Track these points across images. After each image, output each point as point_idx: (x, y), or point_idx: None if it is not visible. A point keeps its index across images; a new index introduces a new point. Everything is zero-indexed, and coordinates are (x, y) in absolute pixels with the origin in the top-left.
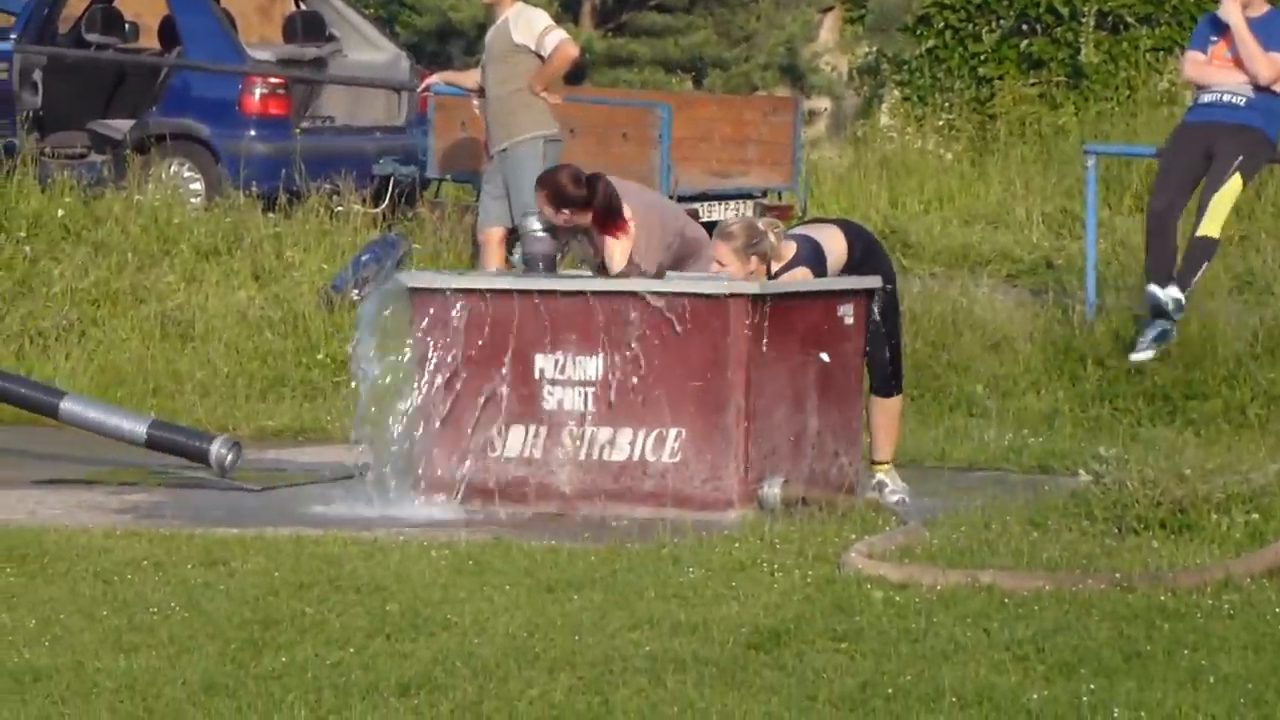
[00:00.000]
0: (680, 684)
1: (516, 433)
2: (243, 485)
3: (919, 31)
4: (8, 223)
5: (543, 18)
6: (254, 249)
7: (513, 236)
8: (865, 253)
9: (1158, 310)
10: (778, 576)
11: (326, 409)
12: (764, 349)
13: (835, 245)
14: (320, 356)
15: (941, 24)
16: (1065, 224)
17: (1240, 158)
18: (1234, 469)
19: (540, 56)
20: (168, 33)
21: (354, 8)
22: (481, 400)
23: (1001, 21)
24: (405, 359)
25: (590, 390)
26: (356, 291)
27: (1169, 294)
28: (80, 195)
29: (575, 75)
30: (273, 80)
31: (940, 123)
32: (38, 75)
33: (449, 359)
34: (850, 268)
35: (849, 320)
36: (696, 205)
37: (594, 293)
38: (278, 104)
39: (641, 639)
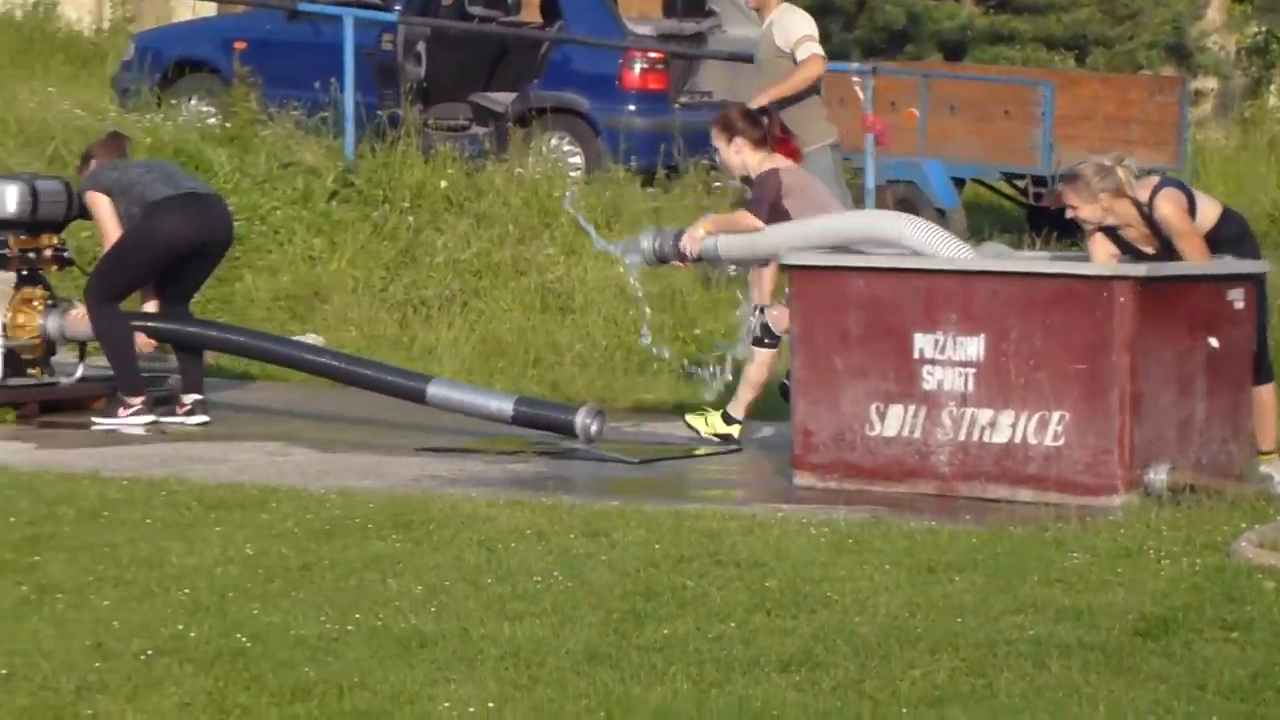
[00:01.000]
0: (1065, 669)
1: (895, 412)
2: (621, 458)
3: None
4: (392, 193)
5: (802, 24)
6: (632, 223)
7: None
8: (1238, 237)
9: None
10: (1164, 564)
11: (701, 386)
12: (1149, 333)
13: (1208, 210)
14: (697, 332)
15: None
16: None
17: None
18: None
19: (796, 62)
20: (549, 7)
21: None
22: (860, 379)
23: None
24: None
25: (970, 371)
26: (732, 268)
27: None
28: (462, 167)
29: (955, 50)
30: (652, 55)
31: None
32: (421, 47)
33: (828, 337)
34: (1214, 243)
35: (1239, 305)
36: None
37: (975, 273)
38: (657, 79)
39: (1024, 623)
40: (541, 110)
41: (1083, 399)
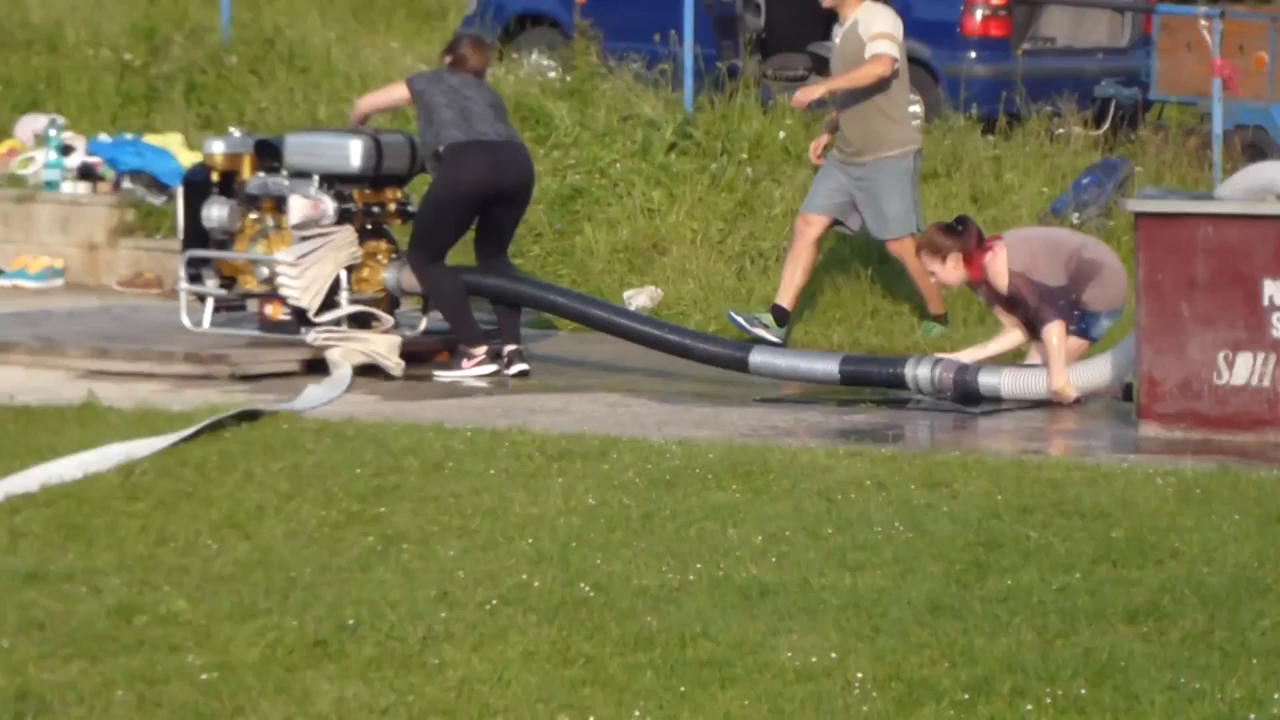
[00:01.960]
0: None
1: (1244, 360)
2: (963, 408)
3: None
4: (730, 145)
5: (883, 20)
6: (973, 172)
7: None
8: None
9: None
10: None
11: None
12: None
13: None
14: None
15: None
16: None
17: None
18: None
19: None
20: None
21: None
22: (1207, 327)
23: None
24: None
25: None
26: (1077, 215)
27: None
28: (801, 118)
29: None
30: (995, 1)
31: None
32: None
33: (1175, 284)
34: None
35: None
36: None
37: None
38: (999, 25)
39: None
40: None
41: None
